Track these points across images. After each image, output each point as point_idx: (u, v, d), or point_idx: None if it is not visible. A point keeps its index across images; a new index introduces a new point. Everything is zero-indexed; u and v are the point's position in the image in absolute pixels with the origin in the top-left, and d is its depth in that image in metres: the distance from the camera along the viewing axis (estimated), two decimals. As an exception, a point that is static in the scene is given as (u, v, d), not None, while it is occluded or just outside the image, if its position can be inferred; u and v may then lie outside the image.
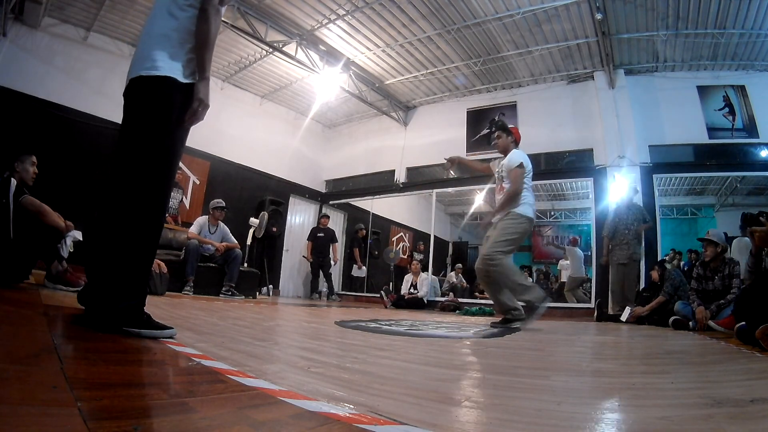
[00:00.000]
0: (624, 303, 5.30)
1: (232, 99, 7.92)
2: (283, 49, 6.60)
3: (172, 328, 1.44)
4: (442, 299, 7.36)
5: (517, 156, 3.37)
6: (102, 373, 0.89)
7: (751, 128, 6.06)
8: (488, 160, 3.69)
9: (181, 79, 1.41)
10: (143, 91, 1.40)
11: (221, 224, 5.48)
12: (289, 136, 8.97)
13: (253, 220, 7.10)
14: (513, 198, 3.29)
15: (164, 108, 1.39)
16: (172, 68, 1.39)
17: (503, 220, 3.30)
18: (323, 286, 8.14)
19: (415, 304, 6.98)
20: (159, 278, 4.02)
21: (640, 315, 4.67)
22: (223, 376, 0.96)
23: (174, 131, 1.42)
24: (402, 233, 11.44)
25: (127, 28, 6.28)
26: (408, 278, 7.49)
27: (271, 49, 6.70)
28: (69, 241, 2.99)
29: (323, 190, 9.64)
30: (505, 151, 3.52)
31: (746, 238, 5.48)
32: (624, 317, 4.91)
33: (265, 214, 7.13)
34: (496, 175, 3.55)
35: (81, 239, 3.06)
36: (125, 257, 1.37)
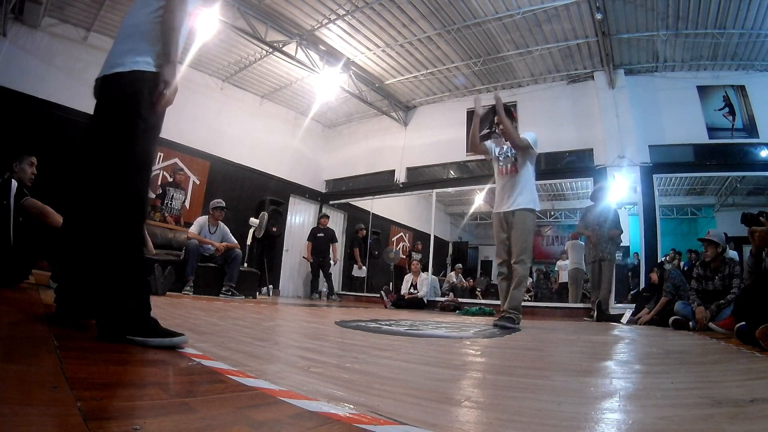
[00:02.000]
0: (596, 299, 5.36)
1: (232, 99, 7.91)
2: (283, 49, 6.60)
3: (183, 335, 1.28)
4: (442, 299, 7.36)
5: (532, 135, 3.34)
6: (102, 373, 0.89)
7: (751, 128, 6.06)
8: (491, 160, 3.59)
9: (149, 69, 1.42)
10: (109, 88, 1.43)
11: (221, 224, 5.48)
12: (289, 136, 8.96)
13: (253, 220, 7.10)
14: (519, 141, 3.25)
15: (130, 98, 1.40)
16: (134, 62, 1.42)
17: (519, 219, 3.21)
18: (323, 286, 8.13)
19: (415, 304, 6.97)
20: (162, 278, 4.01)
21: (647, 321, 4.59)
22: (223, 376, 0.97)
23: (146, 115, 1.42)
24: (402, 233, 11.44)
25: (127, 28, 6.28)
26: (408, 278, 7.49)
27: (271, 49, 6.70)
28: None
29: (323, 190, 9.64)
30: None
31: (734, 253, 5.53)
32: (625, 319, 4.90)
33: (265, 214, 7.14)
34: (501, 157, 3.41)
35: None
36: (115, 255, 1.31)
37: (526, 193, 3.27)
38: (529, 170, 3.34)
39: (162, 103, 1.43)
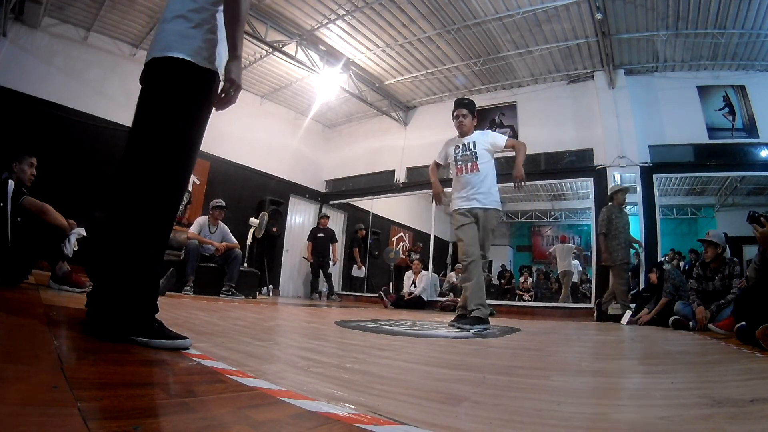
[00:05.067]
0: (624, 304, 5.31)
1: (232, 99, 7.91)
2: (283, 49, 6.60)
3: (187, 338, 1.27)
4: (442, 299, 7.35)
5: (500, 135, 3.45)
6: (102, 373, 0.89)
7: (751, 128, 6.06)
8: (496, 159, 3.56)
9: (198, 63, 1.31)
10: (156, 75, 1.31)
11: (221, 224, 5.48)
12: (289, 136, 8.97)
13: (253, 220, 7.10)
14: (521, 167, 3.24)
15: (178, 91, 1.30)
16: (187, 50, 1.30)
17: (491, 218, 3.22)
18: (323, 286, 8.14)
19: (415, 304, 6.97)
20: (163, 278, 4.01)
21: (647, 321, 4.58)
22: (223, 376, 0.97)
23: (190, 117, 1.34)
24: (402, 233, 11.44)
25: (127, 28, 6.28)
26: (409, 275, 7.50)
27: (271, 49, 6.70)
28: (73, 239, 2.96)
29: (323, 190, 9.64)
30: (467, 133, 3.37)
31: None
32: (624, 320, 4.90)
33: (265, 214, 7.14)
34: (458, 157, 3.36)
35: (86, 235, 3.02)
36: (133, 257, 1.28)
37: (493, 193, 3.27)
38: (492, 169, 3.32)
39: (226, 104, 1.35)
